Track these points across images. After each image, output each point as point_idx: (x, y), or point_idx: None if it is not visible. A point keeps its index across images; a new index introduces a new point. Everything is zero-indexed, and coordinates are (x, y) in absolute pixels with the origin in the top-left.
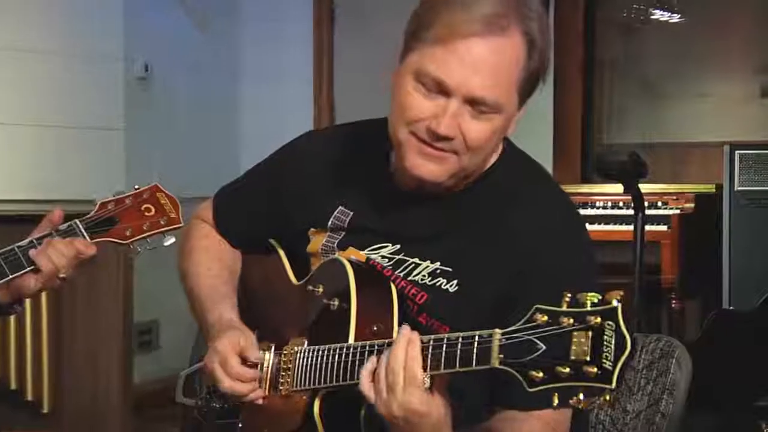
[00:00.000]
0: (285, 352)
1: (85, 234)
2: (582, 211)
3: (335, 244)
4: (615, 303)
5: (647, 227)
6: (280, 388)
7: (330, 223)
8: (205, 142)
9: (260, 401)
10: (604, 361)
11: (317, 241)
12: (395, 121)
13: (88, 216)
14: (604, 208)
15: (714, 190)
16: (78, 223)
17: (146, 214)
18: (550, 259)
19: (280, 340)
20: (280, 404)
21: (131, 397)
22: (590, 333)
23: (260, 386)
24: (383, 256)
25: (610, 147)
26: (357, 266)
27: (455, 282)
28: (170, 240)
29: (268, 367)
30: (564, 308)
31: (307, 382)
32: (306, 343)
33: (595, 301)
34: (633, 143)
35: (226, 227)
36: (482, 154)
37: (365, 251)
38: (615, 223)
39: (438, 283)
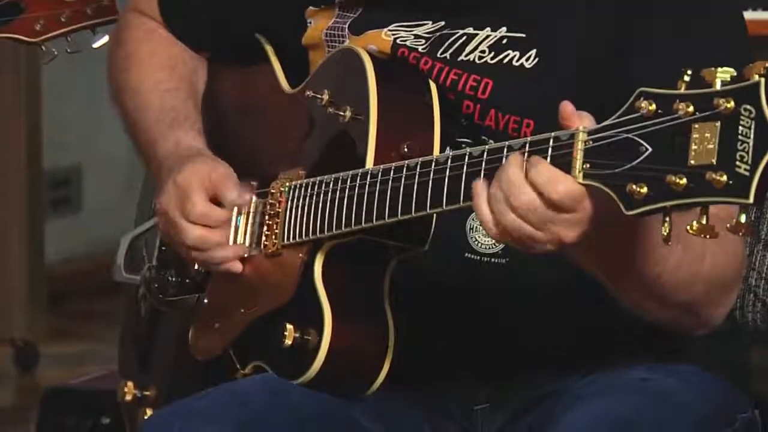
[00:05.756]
0: (272, 191)
1: None
2: None
3: (347, 27)
4: (757, 77)
5: None
6: (265, 243)
7: None
8: None
9: (237, 266)
10: (739, 164)
11: (319, 26)
12: None
13: None
14: None
15: None
16: None
17: None
18: None
19: (264, 176)
20: (263, 269)
21: (43, 282)
22: (719, 125)
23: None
24: (418, 36)
25: None
26: (379, 59)
27: (533, 53)
28: (101, 40)
29: (247, 216)
30: (682, 90)
31: (304, 231)
32: (303, 175)
33: (728, 78)
34: None
35: (179, 21)
36: None
37: (390, 28)
38: None
39: (507, 58)
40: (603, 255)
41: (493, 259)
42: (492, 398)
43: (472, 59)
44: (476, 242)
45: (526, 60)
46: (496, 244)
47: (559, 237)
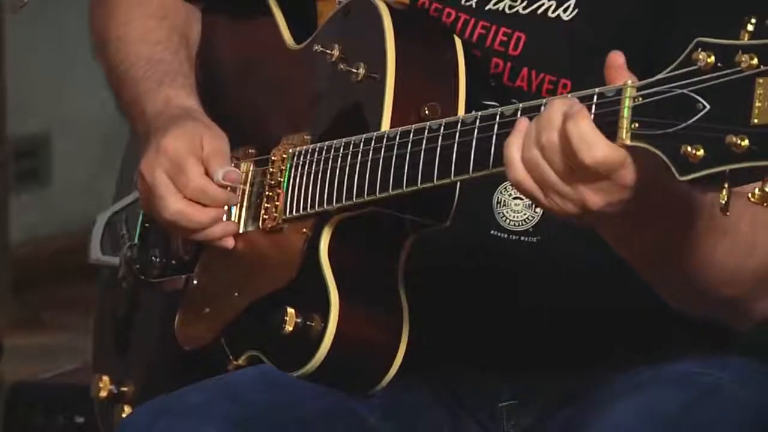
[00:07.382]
0: (273, 158)
1: None
2: None
3: None
4: None
5: None
6: (264, 217)
7: None
8: None
9: (229, 242)
10: None
11: None
12: None
13: None
14: None
15: None
16: None
17: None
18: None
19: (265, 141)
20: (261, 246)
21: (7, 266)
22: None
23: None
24: None
25: None
26: (397, 10)
27: (571, 3)
28: None
29: (244, 187)
30: (745, 40)
31: (309, 203)
32: (309, 140)
33: None
34: None
35: None
36: None
37: None
38: None
39: (541, 9)
40: (643, 226)
41: (522, 237)
42: (520, 394)
43: (501, 9)
44: (504, 218)
45: (564, 11)
46: (527, 221)
47: (584, 200)
